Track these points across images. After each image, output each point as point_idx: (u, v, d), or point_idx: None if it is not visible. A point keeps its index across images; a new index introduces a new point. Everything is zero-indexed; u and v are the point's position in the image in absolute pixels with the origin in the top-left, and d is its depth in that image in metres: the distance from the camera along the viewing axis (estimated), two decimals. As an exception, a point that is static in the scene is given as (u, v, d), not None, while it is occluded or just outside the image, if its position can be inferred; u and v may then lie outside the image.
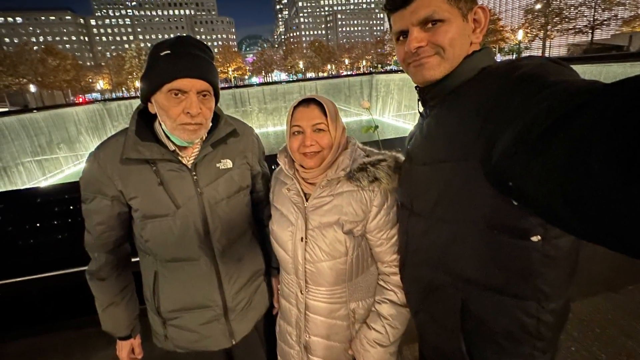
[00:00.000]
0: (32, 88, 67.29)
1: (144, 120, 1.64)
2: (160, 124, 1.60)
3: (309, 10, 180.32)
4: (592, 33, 51.94)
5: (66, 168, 42.54)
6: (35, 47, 74.13)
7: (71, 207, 4.52)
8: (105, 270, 1.75)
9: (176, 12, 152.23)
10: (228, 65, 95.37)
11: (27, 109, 49.07)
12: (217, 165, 1.74)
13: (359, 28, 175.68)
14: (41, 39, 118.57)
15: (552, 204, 0.67)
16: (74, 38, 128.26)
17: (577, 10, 51.79)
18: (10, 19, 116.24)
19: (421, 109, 1.44)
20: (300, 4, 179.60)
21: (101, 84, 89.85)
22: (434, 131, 1.29)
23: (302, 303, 1.76)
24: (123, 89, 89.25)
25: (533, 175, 0.72)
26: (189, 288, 1.74)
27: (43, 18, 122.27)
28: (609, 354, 2.93)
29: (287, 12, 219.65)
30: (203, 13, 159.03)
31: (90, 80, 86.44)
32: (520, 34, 56.52)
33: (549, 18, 53.94)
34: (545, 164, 0.68)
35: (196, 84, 1.49)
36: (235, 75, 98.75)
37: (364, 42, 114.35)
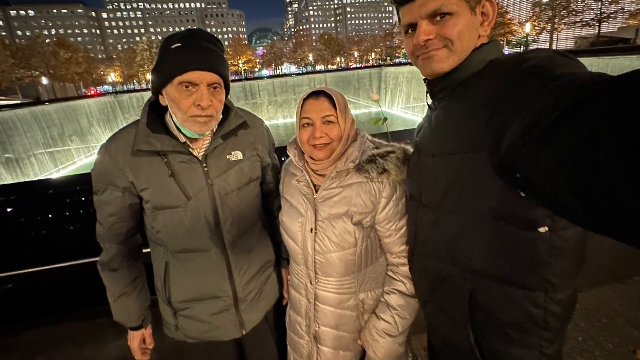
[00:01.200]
0: (44, 80, 67.87)
1: (155, 113, 1.65)
2: (171, 116, 1.61)
3: (319, 4, 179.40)
4: (599, 26, 52.03)
5: (78, 160, 42.84)
6: (47, 40, 74.35)
7: (83, 199, 4.56)
8: (117, 261, 1.77)
9: (187, 5, 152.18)
10: (238, 57, 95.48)
11: (39, 101, 49.51)
12: (228, 156, 1.75)
13: (368, 21, 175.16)
14: (53, 31, 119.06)
15: (560, 195, 0.68)
16: (85, 31, 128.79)
17: (584, 3, 51.86)
18: (22, 12, 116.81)
19: (430, 101, 1.45)
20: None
21: (112, 76, 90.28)
22: (442, 123, 1.29)
23: (311, 293, 1.77)
24: (134, 81, 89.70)
25: (541, 167, 0.72)
26: (199, 279, 1.76)
27: (55, 11, 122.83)
28: (615, 344, 2.95)
29: (296, 5, 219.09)
30: (213, 6, 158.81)
31: (101, 72, 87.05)
32: (527, 27, 56.54)
33: (557, 11, 53.94)
34: (552, 155, 0.68)
35: (207, 76, 1.50)
36: (246, 67, 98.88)
37: (373, 35, 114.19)
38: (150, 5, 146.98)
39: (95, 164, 1.65)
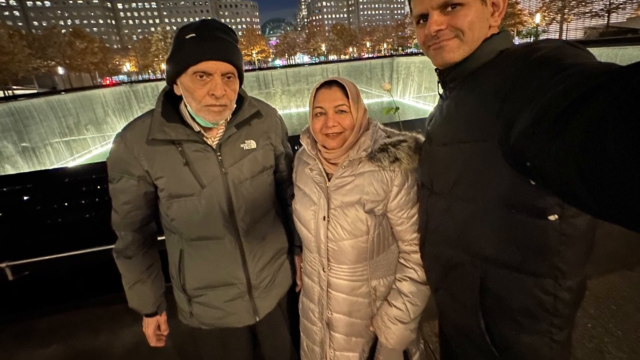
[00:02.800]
0: (60, 70, 68.46)
1: (170, 102, 1.66)
2: (185, 106, 1.63)
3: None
4: (608, 16, 51.58)
5: (93, 148, 43.13)
6: (63, 30, 74.40)
7: (98, 187, 4.62)
8: (132, 249, 1.79)
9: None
10: (252, 48, 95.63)
11: (56, 90, 50.00)
12: (241, 145, 1.76)
13: (380, 12, 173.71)
14: (69, 22, 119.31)
15: (569, 183, 0.68)
16: (101, 21, 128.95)
17: (593, -6, 51.00)
18: (39, 3, 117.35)
19: (441, 91, 1.46)
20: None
21: (128, 66, 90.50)
22: (453, 112, 1.30)
23: (324, 281, 1.79)
24: (149, 71, 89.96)
25: (550, 155, 0.73)
26: (213, 266, 1.78)
27: (71, 2, 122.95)
28: (624, 331, 2.96)
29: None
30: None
31: (117, 62, 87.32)
32: (537, 18, 56.24)
33: (566, 2, 53.48)
34: (562, 144, 0.68)
35: (221, 66, 1.51)
36: (259, 57, 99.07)
37: (385, 26, 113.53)
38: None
39: (110, 152, 1.67)
